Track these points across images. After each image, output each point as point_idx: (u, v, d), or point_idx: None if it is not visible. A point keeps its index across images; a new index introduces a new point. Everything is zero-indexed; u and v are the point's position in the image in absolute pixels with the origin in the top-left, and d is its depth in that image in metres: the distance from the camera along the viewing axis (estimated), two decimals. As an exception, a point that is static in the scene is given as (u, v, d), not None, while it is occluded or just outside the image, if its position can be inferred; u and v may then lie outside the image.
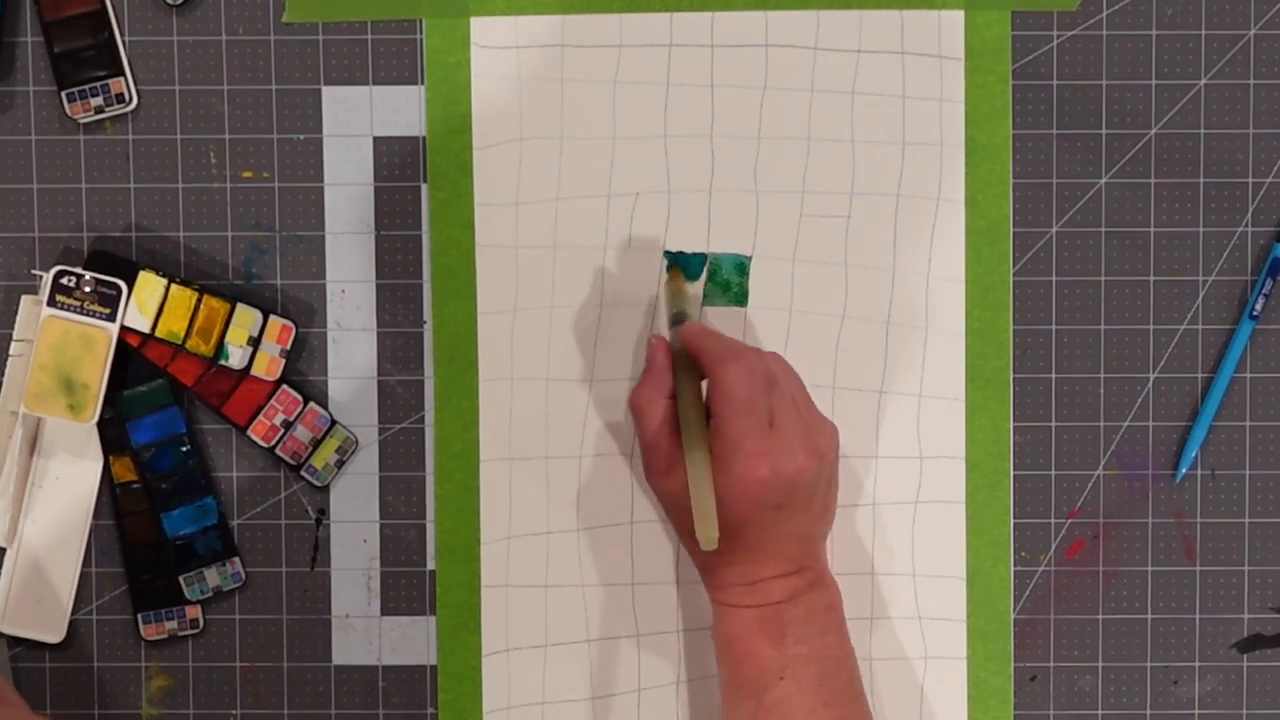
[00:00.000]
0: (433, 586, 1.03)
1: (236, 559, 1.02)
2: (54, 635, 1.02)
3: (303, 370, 1.02)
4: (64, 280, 0.98)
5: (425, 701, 1.03)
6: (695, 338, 0.95)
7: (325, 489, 1.02)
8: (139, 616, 1.02)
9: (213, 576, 1.02)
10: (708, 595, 0.96)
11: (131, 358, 1.01)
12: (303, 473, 1.02)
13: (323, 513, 1.03)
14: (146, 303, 0.99)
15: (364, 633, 1.03)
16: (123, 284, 0.98)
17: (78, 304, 0.98)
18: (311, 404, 1.01)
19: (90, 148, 1.01)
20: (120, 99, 1.01)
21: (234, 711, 1.03)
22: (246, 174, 1.01)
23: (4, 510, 1.00)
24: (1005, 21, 1.01)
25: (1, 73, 1.01)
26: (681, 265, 1.01)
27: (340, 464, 1.02)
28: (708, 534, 0.90)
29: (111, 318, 0.98)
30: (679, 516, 0.95)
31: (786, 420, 0.92)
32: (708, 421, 0.93)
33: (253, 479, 1.02)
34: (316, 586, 1.03)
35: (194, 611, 1.03)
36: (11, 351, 1.00)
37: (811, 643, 0.93)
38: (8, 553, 1.02)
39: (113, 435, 1.02)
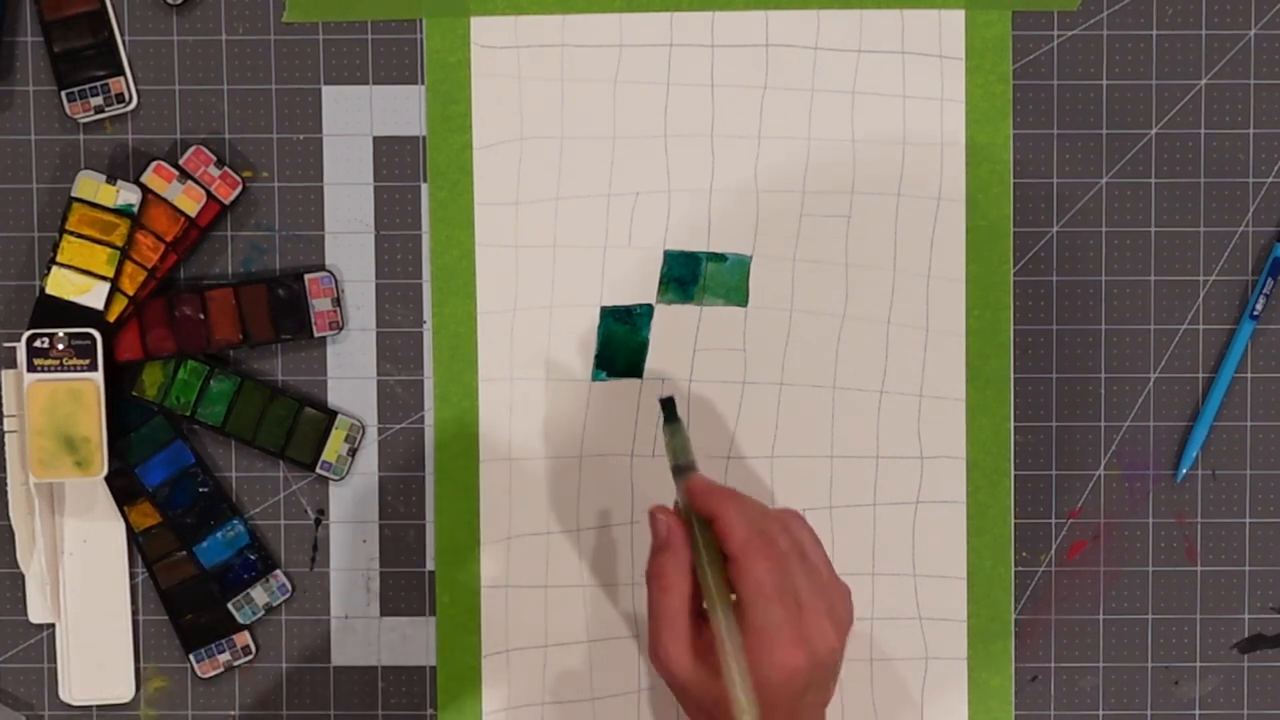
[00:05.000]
0: (432, 587, 1.02)
1: (279, 571, 1.02)
2: (123, 695, 1.02)
3: (303, 370, 1.02)
4: (37, 343, 0.97)
5: (425, 702, 1.03)
6: (713, 507, 0.89)
7: (325, 489, 1.02)
8: (191, 656, 1.02)
9: (260, 595, 1.02)
10: None
11: (119, 404, 1.01)
12: (319, 470, 1.01)
13: (322, 513, 1.02)
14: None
15: (363, 633, 1.03)
16: (95, 333, 0.98)
17: (56, 362, 0.97)
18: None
19: (90, 147, 1.01)
20: (120, 99, 1.01)
21: (233, 712, 1.03)
22: (246, 174, 1.01)
23: (42, 588, 1.00)
24: (1005, 21, 1.01)
25: (1, 72, 1.01)
26: (667, 413, 0.97)
27: (353, 453, 1.02)
28: (751, 715, 0.86)
29: (93, 367, 0.98)
30: (696, 700, 0.90)
31: (813, 597, 0.88)
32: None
33: (251, 479, 1.02)
34: (315, 587, 1.03)
35: (243, 639, 1.02)
36: (5, 428, 1.00)
37: None
38: (57, 628, 1.02)
39: (122, 485, 1.01)
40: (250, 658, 1.02)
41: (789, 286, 1.02)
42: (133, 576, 1.02)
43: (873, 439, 1.02)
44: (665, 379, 1.01)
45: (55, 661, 1.02)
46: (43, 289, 0.99)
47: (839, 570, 1.01)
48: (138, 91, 1.01)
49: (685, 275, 1.02)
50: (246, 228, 1.02)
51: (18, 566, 1.01)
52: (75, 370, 0.98)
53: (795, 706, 0.87)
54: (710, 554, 0.89)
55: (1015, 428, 1.02)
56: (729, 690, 0.86)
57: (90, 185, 0.98)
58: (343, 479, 1.02)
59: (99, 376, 0.98)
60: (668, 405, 0.96)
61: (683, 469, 0.93)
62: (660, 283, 1.02)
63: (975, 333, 1.02)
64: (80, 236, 0.98)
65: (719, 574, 0.89)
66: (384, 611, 1.03)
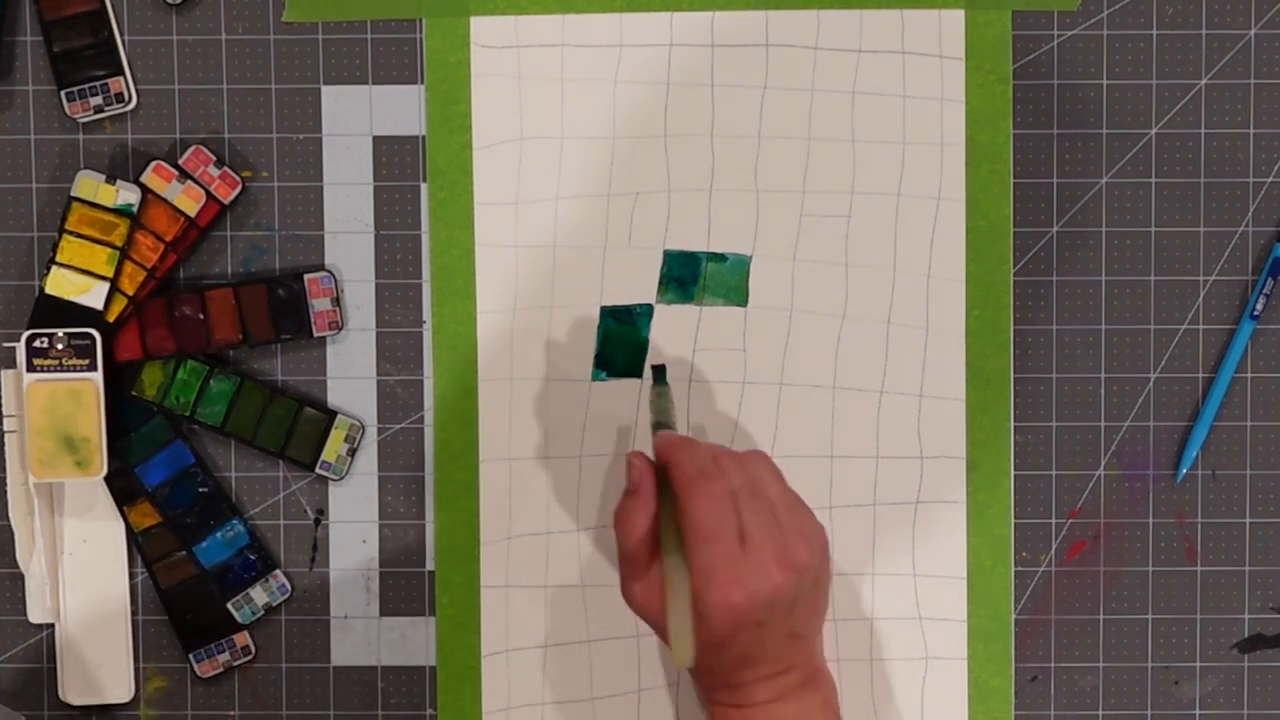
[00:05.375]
0: (432, 587, 1.02)
1: (278, 571, 1.02)
2: (122, 695, 1.02)
3: (303, 370, 1.02)
4: (37, 343, 0.97)
5: (425, 702, 1.03)
6: (667, 452, 0.92)
7: (324, 489, 1.02)
8: (191, 656, 1.02)
9: (260, 595, 1.02)
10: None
11: (119, 404, 1.01)
12: (319, 470, 1.01)
13: (321, 513, 1.02)
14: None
15: (363, 633, 1.03)
16: (95, 333, 0.98)
17: (55, 362, 0.97)
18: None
19: (90, 147, 1.01)
20: (120, 98, 1.00)
21: (232, 712, 1.03)
22: (246, 173, 1.01)
23: (41, 588, 1.00)
24: (1005, 21, 1.01)
25: (1, 72, 1.01)
26: (657, 376, 0.99)
27: (352, 453, 1.02)
28: (681, 655, 0.90)
29: (92, 367, 0.98)
30: (658, 629, 0.93)
31: (761, 535, 0.89)
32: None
33: (251, 479, 1.02)
34: (315, 587, 1.03)
35: (243, 639, 1.02)
36: (5, 428, 0.99)
37: None
38: (56, 628, 1.02)
39: (122, 485, 1.01)
40: (250, 658, 1.02)
41: (789, 286, 1.02)
42: (132, 576, 1.02)
43: (873, 439, 1.02)
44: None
45: (55, 661, 1.02)
46: (42, 289, 0.99)
47: (839, 570, 1.01)
48: (137, 91, 1.01)
49: (685, 275, 1.02)
50: (246, 228, 1.02)
51: (18, 566, 1.01)
52: (75, 370, 0.98)
53: (742, 637, 0.90)
54: (669, 499, 0.91)
55: (1015, 428, 1.02)
56: (668, 625, 0.90)
57: (90, 185, 0.98)
58: (343, 479, 1.02)
59: (99, 376, 0.98)
60: (658, 370, 0.99)
61: (660, 426, 0.95)
62: (660, 283, 1.02)
63: (975, 333, 1.02)
64: (80, 236, 0.98)
65: (674, 518, 0.91)
66: (384, 611, 1.03)
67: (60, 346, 0.98)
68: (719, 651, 0.90)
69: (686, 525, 0.89)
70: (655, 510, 0.92)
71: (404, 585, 1.03)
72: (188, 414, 1.01)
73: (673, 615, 0.90)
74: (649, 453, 0.94)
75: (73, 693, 1.02)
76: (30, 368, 0.98)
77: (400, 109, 1.01)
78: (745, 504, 0.90)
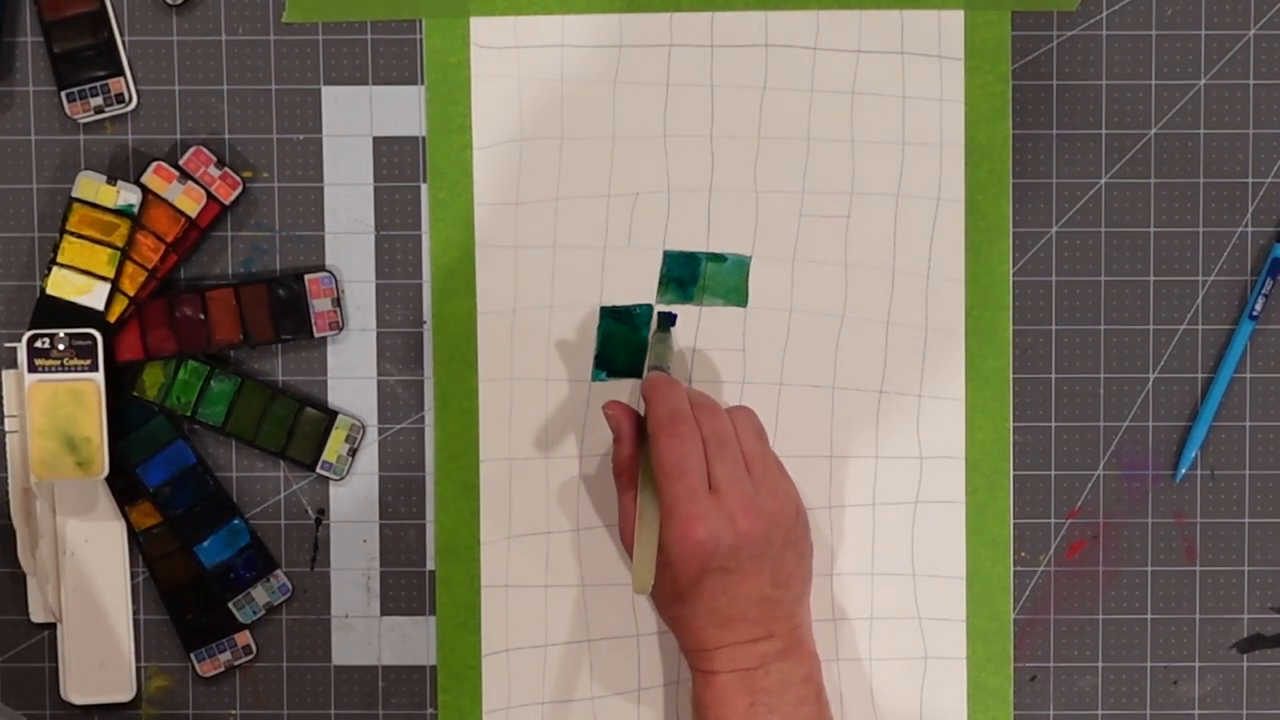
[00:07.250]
0: (432, 586, 1.03)
1: (279, 571, 1.02)
2: (124, 694, 1.03)
3: (303, 370, 1.02)
4: (38, 344, 0.98)
5: (425, 701, 1.03)
6: (648, 393, 0.95)
7: (325, 489, 1.02)
8: (192, 656, 1.02)
9: (261, 595, 1.02)
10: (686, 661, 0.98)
11: (120, 404, 1.01)
12: (319, 470, 1.02)
13: (322, 513, 1.03)
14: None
15: (363, 633, 1.03)
16: (96, 333, 0.98)
17: (57, 362, 0.98)
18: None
19: (90, 147, 1.01)
20: (120, 99, 1.01)
21: (234, 711, 1.03)
22: (246, 174, 1.01)
23: (43, 588, 1.00)
24: (1005, 21, 1.01)
25: (1, 73, 1.01)
26: (661, 322, 1.01)
27: (353, 453, 1.02)
28: (640, 582, 0.92)
29: (94, 367, 0.98)
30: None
31: (727, 482, 0.92)
32: None
33: (252, 479, 1.02)
34: (316, 587, 1.03)
35: (244, 638, 1.02)
36: (6, 429, 1.00)
37: (783, 712, 0.94)
38: (58, 627, 1.02)
39: (123, 485, 1.01)
40: (251, 657, 1.03)
41: (789, 286, 1.02)
42: (134, 576, 1.03)
43: (872, 439, 1.02)
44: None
45: (56, 661, 1.02)
46: (43, 289, 0.99)
47: (839, 570, 1.02)
48: (138, 91, 1.01)
49: (685, 275, 1.02)
50: (246, 228, 1.02)
51: (18, 566, 1.01)
52: (76, 370, 0.98)
53: (710, 582, 0.93)
54: (646, 440, 0.95)
55: (1014, 428, 1.02)
56: (633, 557, 0.94)
57: (90, 186, 0.98)
58: (343, 479, 1.02)
59: (100, 377, 0.98)
60: (665, 318, 1.01)
61: (656, 370, 0.98)
62: (660, 283, 1.02)
63: (974, 333, 1.02)
64: (81, 237, 0.98)
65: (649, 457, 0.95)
66: (384, 611, 1.03)
67: (61, 347, 0.98)
68: (690, 599, 0.93)
69: (655, 462, 0.93)
70: (636, 451, 0.96)
71: (404, 585, 1.03)
72: (189, 414, 1.01)
73: (638, 543, 0.93)
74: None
75: (74, 692, 1.02)
76: (31, 368, 0.98)
77: (400, 109, 1.01)
78: (713, 451, 0.93)
